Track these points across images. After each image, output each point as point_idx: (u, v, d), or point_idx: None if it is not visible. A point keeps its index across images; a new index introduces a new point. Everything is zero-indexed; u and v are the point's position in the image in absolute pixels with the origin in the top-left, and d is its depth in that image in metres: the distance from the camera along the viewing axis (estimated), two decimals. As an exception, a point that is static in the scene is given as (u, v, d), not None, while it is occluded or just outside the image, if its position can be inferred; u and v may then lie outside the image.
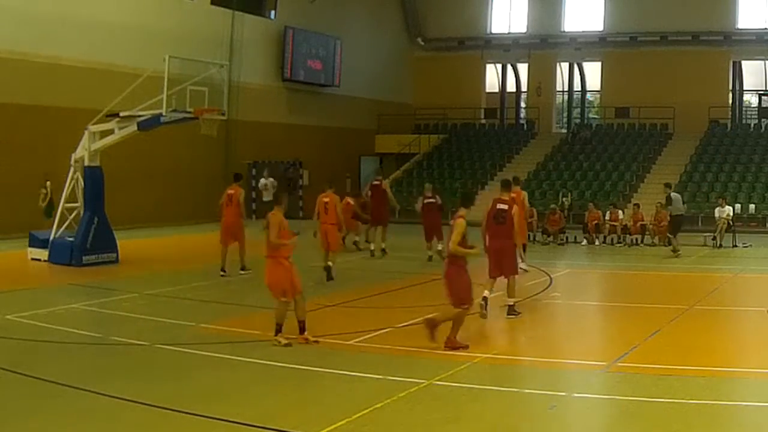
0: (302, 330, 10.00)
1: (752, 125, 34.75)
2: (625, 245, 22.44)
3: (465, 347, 9.68)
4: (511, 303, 11.95)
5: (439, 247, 17.72)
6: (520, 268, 14.16)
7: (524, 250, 16.78)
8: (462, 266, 9.85)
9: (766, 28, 33.65)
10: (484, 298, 11.32)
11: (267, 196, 26.29)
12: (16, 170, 22.20)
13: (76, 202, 17.89)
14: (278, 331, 9.95)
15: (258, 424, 6.96)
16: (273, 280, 10.02)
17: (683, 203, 21.79)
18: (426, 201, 18.86)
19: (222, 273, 15.76)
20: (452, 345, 9.67)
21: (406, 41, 39.12)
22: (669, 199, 21.19)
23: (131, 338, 10.27)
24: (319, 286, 14.23)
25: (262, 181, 26.79)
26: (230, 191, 16.18)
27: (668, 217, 20.99)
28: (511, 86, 40.54)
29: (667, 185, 21.99)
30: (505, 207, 11.97)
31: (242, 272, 15.86)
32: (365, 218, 20.50)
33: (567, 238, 23.44)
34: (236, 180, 16.53)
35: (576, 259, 19.96)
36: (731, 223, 22.42)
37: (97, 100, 19.15)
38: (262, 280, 10.81)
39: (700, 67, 33.74)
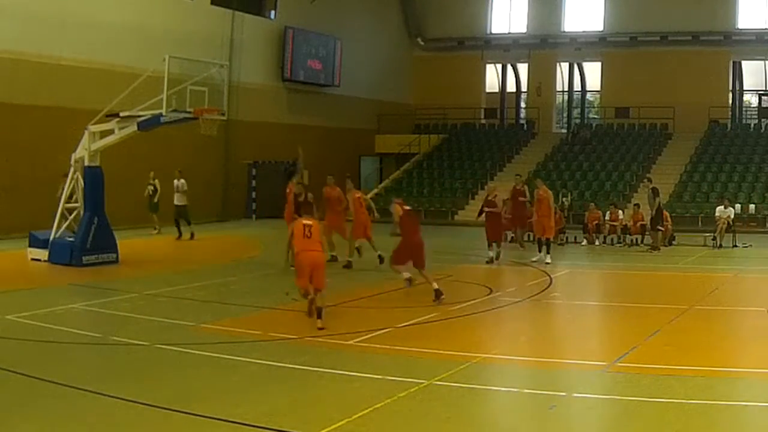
0: None
1: (752, 125, 34.76)
2: (625, 245, 22.43)
3: None
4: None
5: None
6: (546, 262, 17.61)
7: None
8: None
9: (766, 28, 33.67)
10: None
11: (178, 200, 23.09)
12: (16, 170, 22.20)
13: (76, 202, 17.89)
14: None
15: (258, 424, 6.95)
16: None
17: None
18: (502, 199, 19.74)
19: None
20: None
21: (406, 41, 39.12)
22: (657, 192, 21.33)
23: (131, 338, 10.25)
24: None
25: (175, 182, 23.38)
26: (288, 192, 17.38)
27: (656, 211, 21.13)
28: (511, 86, 40.55)
29: (649, 179, 22.48)
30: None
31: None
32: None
33: (567, 238, 23.44)
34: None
35: (576, 259, 19.95)
36: (731, 223, 22.41)
37: (97, 100, 19.14)
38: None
39: (700, 67, 33.77)
